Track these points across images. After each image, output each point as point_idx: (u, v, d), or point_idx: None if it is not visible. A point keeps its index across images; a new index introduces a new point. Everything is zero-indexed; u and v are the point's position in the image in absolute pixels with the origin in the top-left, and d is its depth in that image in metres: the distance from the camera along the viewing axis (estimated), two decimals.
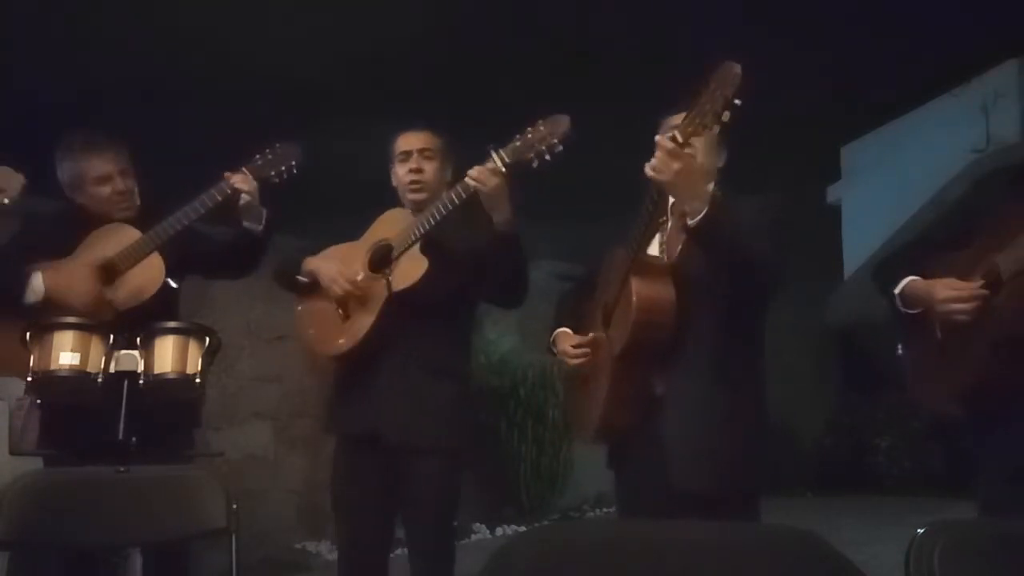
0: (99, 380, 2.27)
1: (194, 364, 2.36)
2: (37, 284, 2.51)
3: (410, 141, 2.62)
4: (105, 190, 2.65)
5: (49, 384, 2.29)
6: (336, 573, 2.61)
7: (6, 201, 2.33)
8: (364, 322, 2.48)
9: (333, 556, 3.73)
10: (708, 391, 2.06)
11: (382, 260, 2.52)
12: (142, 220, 2.65)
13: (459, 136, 2.62)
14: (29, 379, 2.28)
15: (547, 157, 2.23)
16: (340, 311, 2.55)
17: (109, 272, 2.57)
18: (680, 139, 1.90)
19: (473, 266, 2.45)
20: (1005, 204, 1.96)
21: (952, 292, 1.93)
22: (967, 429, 2.08)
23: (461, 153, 2.46)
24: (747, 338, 2.17)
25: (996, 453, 1.99)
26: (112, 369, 2.29)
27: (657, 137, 1.98)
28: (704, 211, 1.94)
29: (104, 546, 1.98)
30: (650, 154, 2.00)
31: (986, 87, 6.67)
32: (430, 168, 2.59)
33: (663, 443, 2.06)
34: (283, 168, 2.65)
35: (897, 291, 2.08)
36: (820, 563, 1.11)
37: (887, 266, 2.21)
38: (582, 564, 1.11)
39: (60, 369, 2.26)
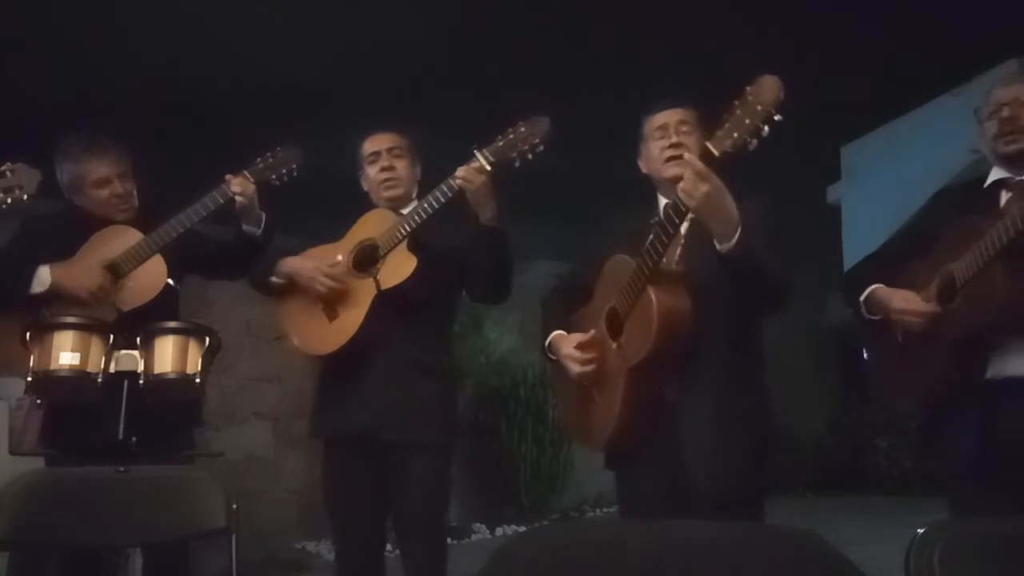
0: (99, 380, 2.28)
1: (194, 364, 2.36)
2: (44, 275, 2.51)
3: (378, 142, 2.67)
4: (104, 193, 2.66)
5: (49, 384, 2.29)
6: (335, 573, 2.63)
7: (24, 197, 2.34)
8: (352, 321, 2.48)
9: (333, 556, 3.73)
10: (721, 396, 2.06)
11: (368, 260, 2.52)
12: (141, 222, 2.66)
13: (459, 136, 2.62)
14: (29, 379, 2.28)
15: (529, 156, 2.28)
16: (324, 310, 2.55)
17: (113, 273, 2.58)
18: (715, 152, 1.80)
19: (458, 262, 2.49)
20: (957, 217, 2.08)
21: (906, 305, 2.10)
22: (927, 428, 2.19)
23: (451, 155, 2.46)
24: (753, 342, 2.19)
25: (956, 452, 2.06)
26: (112, 369, 2.29)
27: (686, 156, 1.91)
28: (736, 238, 1.88)
29: (104, 546, 1.98)
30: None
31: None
32: (401, 165, 2.65)
33: (679, 450, 2.05)
34: (284, 171, 2.65)
35: (862, 298, 2.21)
36: (820, 563, 1.11)
37: (853, 276, 2.32)
38: (582, 564, 1.11)
39: (60, 369, 2.26)
